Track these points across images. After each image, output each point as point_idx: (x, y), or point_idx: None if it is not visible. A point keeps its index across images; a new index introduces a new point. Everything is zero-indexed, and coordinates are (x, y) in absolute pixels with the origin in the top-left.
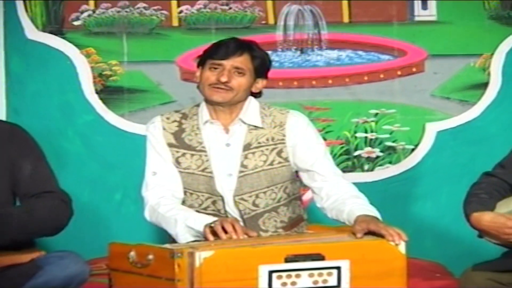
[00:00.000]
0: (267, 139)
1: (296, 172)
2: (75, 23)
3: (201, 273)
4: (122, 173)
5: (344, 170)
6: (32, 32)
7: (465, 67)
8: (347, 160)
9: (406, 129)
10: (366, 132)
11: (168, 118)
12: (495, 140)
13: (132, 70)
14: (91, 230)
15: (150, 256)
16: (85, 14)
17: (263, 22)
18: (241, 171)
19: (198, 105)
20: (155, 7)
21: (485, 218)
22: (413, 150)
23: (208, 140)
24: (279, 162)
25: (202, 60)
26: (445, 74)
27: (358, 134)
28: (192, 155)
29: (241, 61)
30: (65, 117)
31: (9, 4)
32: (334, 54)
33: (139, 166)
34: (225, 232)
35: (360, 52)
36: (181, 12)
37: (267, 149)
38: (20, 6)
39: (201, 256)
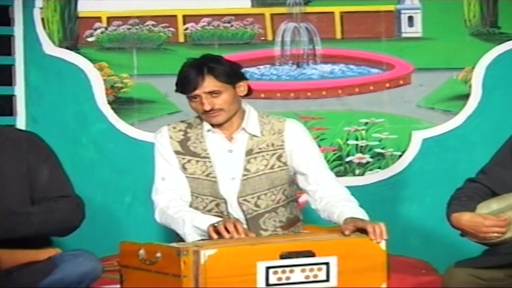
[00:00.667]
0: (267, 145)
1: (294, 175)
2: (89, 39)
3: (205, 269)
4: (132, 177)
5: (337, 175)
6: (49, 48)
7: (448, 80)
8: (340, 165)
9: (394, 137)
10: (357, 139)
11: (174, 128)
12: (476, 147)
13: (141, 83)
14: (104, 230)
15: (158, 254)
16: (98, 31)
17: (262, 38)
18: (244, 175)
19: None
20: (163, 25)
21: (464, 218)
22: (400, 156)
23: (212, 147)
24: (279, 166)
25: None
26: (430, 86)
27: (349, 142)
28: (197, 161)
29: (208, 85)
30: (80, 126)
31: (28, 21)
32: (327, 67)
33: (148, 171)
34: (227, 231)
35: (351, 66)
36: (186, 29)
37: (267, 154)
38: (38, 23)
39: (205, 254)
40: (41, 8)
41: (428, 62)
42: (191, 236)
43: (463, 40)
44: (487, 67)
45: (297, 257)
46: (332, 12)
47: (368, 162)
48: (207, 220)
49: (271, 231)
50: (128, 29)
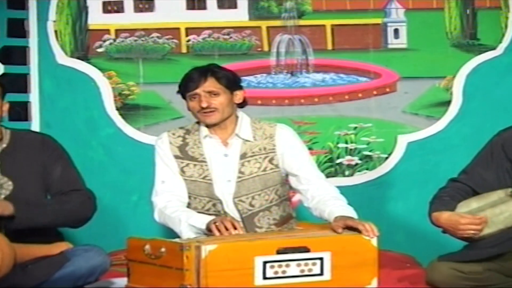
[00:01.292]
0: (260, 149)
1: (286, 176)
2: (99, 50)
3: (206, 263)
4: (138, 178)
5: (328, 176)
6: (62, 58)
7: (431, 88)
8: (331, 167)
9: (380, 141)
10: (346, 143)
11: (173, 134)
12: (457, 150)
13: (147, 90)
14: (112, 227)
15: (163, 249)
16: (107, 42)
17: (259, 49)
18: (239, 177)
19: (198, 122)
20: (167, 37)
21: (443, 217)
22: (386, 158)
23: (209, 152)
24: (271, 168)
25: (182, 95)
26: (414, 93)
27: (340, 145)
28: (195, 165)
29: (209, 85)
30: (90, 130)
31: (42, 34)
32: (319, 76)
33: (153, 172)
34: (226, 228)
35: (341, 75)
36: (189, 40)
37: (260, 158)
38: (51, 35)
39: (206, 249)
40: (54, 21)
41: (412, 71)
42: (186, 233)
43: (445, 51)
44: (467, 75)
45: (293, 252)
46: (324, 25)
47: (357, 164)
48: (202, 219)
49: (265, 228)
50: (135, 40)
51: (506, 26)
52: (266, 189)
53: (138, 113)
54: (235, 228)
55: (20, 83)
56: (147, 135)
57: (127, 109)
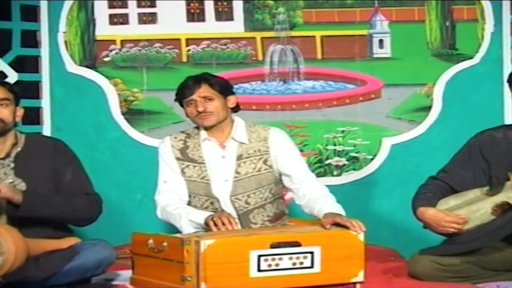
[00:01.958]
0: (255, 151)
1: (280, 176)
2: (105, 59)
3: (205, 257)
4: (142, 177)
5: (318, 175)
6: (71, 66)
7: (413, 94)
8: (320, 167)
9: (366, 143)
10: (335, 145)
11: (175, 138)
12: (437, 152)
13: (150, 96)
14: (118, 222)
15: (165, 243)
16: (113, 52)
17: (254, 58)
18: (235, 177)
19: (198, 127)
20: (169, 47)
21: (428, 212)
22: (372, 159)
23: (207, 154)
24: (265, 169)
25: (180, 102)
26: (397, 99)
27: (328, 147)
28: (194, 166)
29: (203, 91)
30: (97, 133)
31: (53, 44)
32: (310, 83)
33: (156, 172)
34: (223, 224)
35: (330, 82)
36: (189, 50)
37: (255, 159)
38: (61, 45)
39: (205, 243)
40: (64, 33)
41: (395, 78)
42: (187, 228)
43: (426, 60)
44: (446, 83)
45: (285, 246)
46: (314, 36)
47: (344, 165)
48: (201, 215)
49: (260, 224)
50: (139, 50)
51: (482, 37)
52: (261, 188)
53: (142, 117)
54: (231, 224)
55: (33, 90)
56: (150, 138)
57: (132, 114)
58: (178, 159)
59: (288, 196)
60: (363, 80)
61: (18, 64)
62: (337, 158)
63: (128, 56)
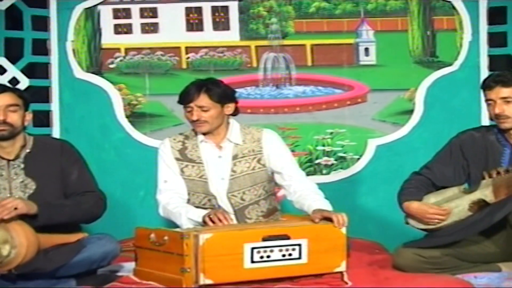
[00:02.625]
0: (249, 151)
1: (272, 174)
2: (111, 66)
3: (203, 250)
4: (144, 176)
5: (308, 174)
6: (79, 72)
7: (396, 98)
8: (310, 166)
9: (353, 144)
10: (324, 146)
11: (174, 139)
12: (418, 152)
13: (152, 101)
14: (122, 218)
15: (166, 237)
16: (118, 59)
17: (249, 65)
18: (231, 175)
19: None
20: (170, 54)
21: (413, 205)
22: (358, 159)
23: (205, 154)
24: (259, 168)
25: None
26: (382, 103)
27: (318, 148)
28: (193, 166)
29: (201, 100)
30: (103, 135)
31: (62, 52)
32: (300, 89)
33: (157, 171)
34: (219, 220)
35: (320, 87)
36: (188, 58)
37: (249, 158)
38: (70, 53)
39: (203, 237)
40: (72, 41)
41: (380, 84)
42: (186, 225)
43: (408, 67)
44: (427, 88)
45: (275, 239)
46: (304, 45)
47: (333, 164)
48: (198, 213)
49: (254, 219)
50: (142, 58)
51: (461, 46)
52: (255, 185)
53: (145, 120)
54: (226, 219)
55: (43, 94)
56: (152, 139)
57: (135, 117)
58: (177, 159)
59: (280, 193)
60: (350, 85)
61: (30, 71)
62: (326, 158)
63: (131, 63)
